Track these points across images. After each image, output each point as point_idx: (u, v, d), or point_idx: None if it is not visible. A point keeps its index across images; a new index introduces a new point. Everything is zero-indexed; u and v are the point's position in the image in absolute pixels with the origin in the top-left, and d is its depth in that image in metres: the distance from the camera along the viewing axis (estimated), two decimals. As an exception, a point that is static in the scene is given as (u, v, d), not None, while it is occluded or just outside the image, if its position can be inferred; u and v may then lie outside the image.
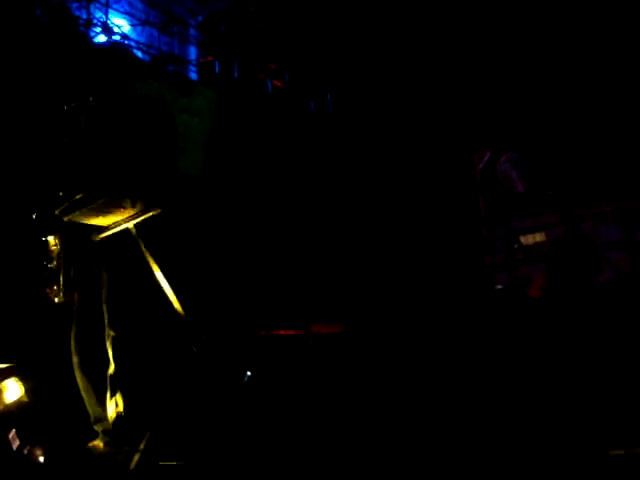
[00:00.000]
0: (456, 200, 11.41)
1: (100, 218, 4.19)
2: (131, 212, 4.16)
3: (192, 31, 10.16)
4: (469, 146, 11.71)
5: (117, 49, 8.42)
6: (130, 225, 4.23)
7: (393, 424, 5.80)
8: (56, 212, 4.14)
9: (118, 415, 4.65)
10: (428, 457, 4.83)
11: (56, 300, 4.44)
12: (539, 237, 10.99)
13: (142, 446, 4.19)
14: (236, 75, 9.95)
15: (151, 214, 4.17)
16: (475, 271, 11.18)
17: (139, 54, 9.14)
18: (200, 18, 10.71)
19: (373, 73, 10.95)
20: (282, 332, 7.03)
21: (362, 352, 7.67)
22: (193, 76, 9.95)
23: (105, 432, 4.67)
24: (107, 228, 4.31)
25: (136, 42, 9.14)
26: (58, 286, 4.36)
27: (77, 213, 4.05)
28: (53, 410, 4.79)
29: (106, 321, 4.57)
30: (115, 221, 4.24)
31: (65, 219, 4.15)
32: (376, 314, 8.67)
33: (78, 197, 3.95)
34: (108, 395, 4.68)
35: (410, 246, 10.65)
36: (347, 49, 10.66)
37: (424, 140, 11.41)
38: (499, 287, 10.56)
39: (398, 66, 10.90)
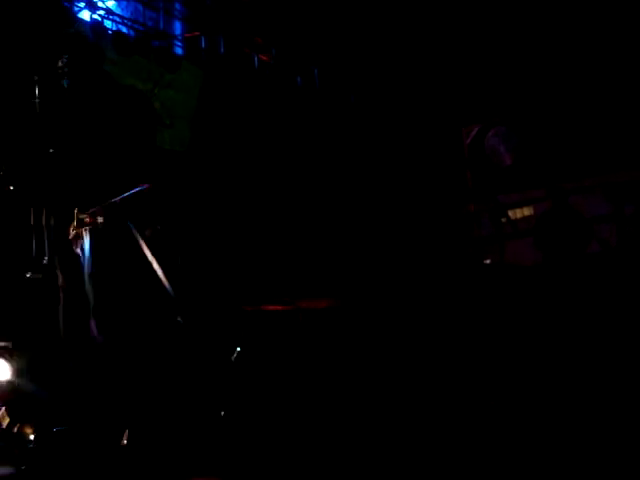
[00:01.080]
0: (444, 174, 11.41)
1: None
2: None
3: (177, 5, 10.01)
4: (457, 120, 11.70)
5: (98, 29, 8.29)
6: (117, 199, 4.22)
7: (383, 401, 5.83)
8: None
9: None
10: (417, 435, 4.88)
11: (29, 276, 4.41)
12: (527, 211, 11.02)
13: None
14: (222, 50, 9.84)
15: (138, 189, 4.16)
16: (463, 245, 11.22)
17: (124, 29, 9.02)
18: (185, -8, 10.56)
19: (361, 47, 10.86)
20: (271, 307, 7.02)
21: (352, 327, 7.68)
22: (179, 51, 9.84)
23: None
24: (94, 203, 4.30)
25: (121, 17, 9.01)
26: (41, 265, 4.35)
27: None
28: (42, 389, 4.79)
29: (92, 301, 4.57)
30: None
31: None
32: (366, 288, 8.68)
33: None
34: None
35: (399, 220, 10.66)
36: (334, 22, 10.55)
37: (412, 114, 11.38)
38: (487, 261, 10.59)
39: (386, 40, 10.83)
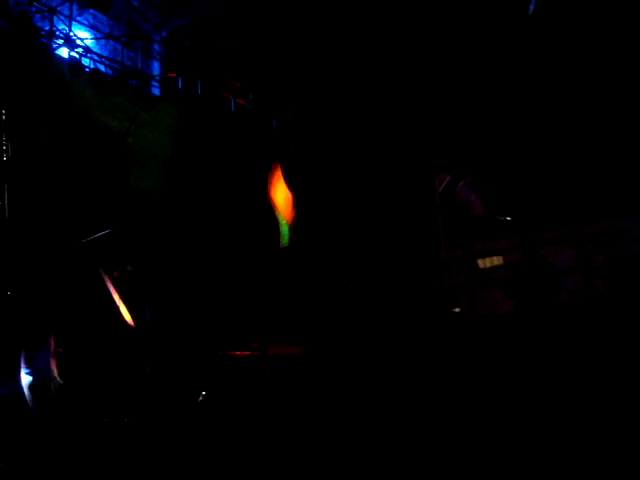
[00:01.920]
0: (417, 222, 11.47)
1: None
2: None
3: (156, 46, 10.09)
4: (430, 169, 11.80)
5: (76, 66, 8.31)
6: (84, 240, 4.18)
7: (349, 445, 5.77)
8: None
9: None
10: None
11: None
12: (497, 260, 11.09)
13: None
14: (199, 92, 9.90)
15: (102, 233, 4.12)
16: (434, 293, 11.24)
17: (102, 67, 9.05)
18: (164, 33, 10.66)
19: (337, 94, 10.99)
20: (238, 353, 6.96)
21: (319, 373, 7.63)
22: (156, 91, 9.88)
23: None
24: (61, 244, 4.25)
25: (99, 56, 9.04)
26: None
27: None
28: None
29: (53, 340, 4.49)
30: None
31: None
32: (333, 335, 8.64)
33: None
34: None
35: (370, 267, 10.66)
36: (311, 69, 10.68)
37: (386, 162, 11.47)
38: (457, 310, 10.61)
39: (361, 89, 10.96)
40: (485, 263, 10.94)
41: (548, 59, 10.29)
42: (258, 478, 4.94)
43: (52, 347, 4.51)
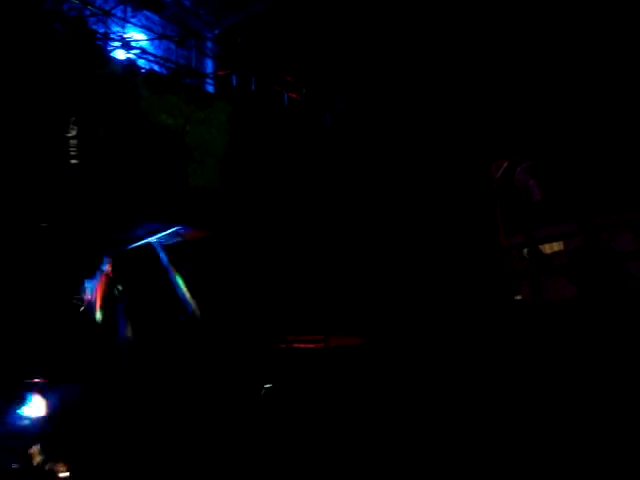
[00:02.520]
0: (474, 210, 11.35)
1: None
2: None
3: (209, 44, 10.18)
4: (487, 156, 11.67)
5: (132, 68, 8.43)
6: (153, 239, 4.25)
7: (410, 436, 5.76)
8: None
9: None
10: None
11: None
12: (557, 246, 10.90)
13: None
14: (253, 88, 9.95)
15: (175, 229, 4.20)
16: (494, 281, 11.11)
17: (156, 67, 9.16)
18: (216, 31, 10.74)
19: (391, 85, 10.93)
20: (301, 345, 7.01)
21: (380, 364, 7.62)
22: (210, 89, 9.96)
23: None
24: (130, 241, 4.34)
25: (154, 56, 9.16)
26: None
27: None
28: (75, 426, 4.80)
29: (124, 331, 4.59)
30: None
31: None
32: (394, 326, 8.62)
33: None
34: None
35: (429, 257, 10.60)
36: (364, 61, 10.65)
37: (442, 151, 11.38)
38: (518, 297, 10.47)
39: (417, 77, 10.88)
40: (545, 249, 10.77)
41: (606, 42, 10.06)
42: (321, 467, 4.96)
43: (122, 338, 4.61)
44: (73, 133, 4.51)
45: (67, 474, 4.32)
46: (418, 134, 11.49)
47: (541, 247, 10.82)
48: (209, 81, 9.99)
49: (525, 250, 10.67)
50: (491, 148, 11.62)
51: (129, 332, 4.62)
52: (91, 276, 4.76)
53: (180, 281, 4.30)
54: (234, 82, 9.93)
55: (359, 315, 8.57)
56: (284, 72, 10.17)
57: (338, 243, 9.74)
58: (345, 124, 11.02)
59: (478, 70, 10.96)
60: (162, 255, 4.29)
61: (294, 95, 10.32)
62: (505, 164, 11.66)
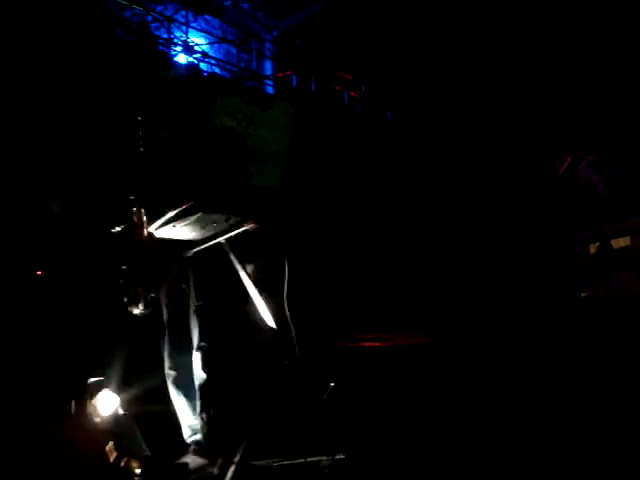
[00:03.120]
0: (538, 205, 11.17)
1: (193, 233, 4.25)
2: (224, 227, 4.21)
3: (268, 46, 10.28)
4: (550, 151, 11.47)
5: (194, 71, 8.57)
6: (222, 240, 4.28)
7: (478, 435, 5.67)
8: (151, 229, 4.19)
9: (209, 427, 4.70)
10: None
11: (137, 312, 4.44)
12: (623, 241, 10.64)
13: (237, 457, 4.22)
14: (313, 88, 10.01)
15: (244, 229, 4.22)
16: (558, 278, 10.90)
17: (218, 71, 9.29)
18: (275, 33, 10.84)
19: (450, 79, 10.84)
20: (368, 344, 6.99)
21: (448, 363, 7.55)
22: (270, 90, 10.06)
23: (198, 444, 4.74)
24: (199, 243, 4.37)
25: (215, 59, 9.29)
26: (143, 300, 4.39)
27: (170, 228, 4.11)
28: (148, 422, 4.87)
29: (197, 335, 4.64)
30: (207, 236, 4.30)
31: (157, 235, 4.22)
32: (461, 325, 8.53)
33: (172, 214, 4.00)
34: (198, 407, 4.75)
35: (493, 254, 10.47)
36: (421, 57, 10.59)
37: (503, 146, 11.23)
38: (584, 294, 10.25)
39: (476, 71, 10.77)
40: (612, 244, 10.53)
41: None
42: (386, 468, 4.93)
43: (195, 342, 4.65)
44: (139, 134, 4.56)
45: (141, 470, 4.39)
46: (480, 130, 11.37)
47: (608, 242, 10.59)
48: (269, 83, 10.09)
49: (593, 245, 10.43)
50: (554, 143, 11.42)
51: (200, 336, 4.66)
52: (160, 278, 4.81)
53: (250, 283, 4.32)
54: (294, 83, 10.02)
55: (426, 314, 8.51)
56: (343, 71, 10.19)
57: (403, 240, 9.70)
58: (407, 120, 10.98)
59: (540, 65, 10.79)
60: (232, 256, 4.31)
61: (354, 93, 10.34)
62: (569, 159, 11.45)
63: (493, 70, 10.92)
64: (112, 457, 4.38)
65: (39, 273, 6.11)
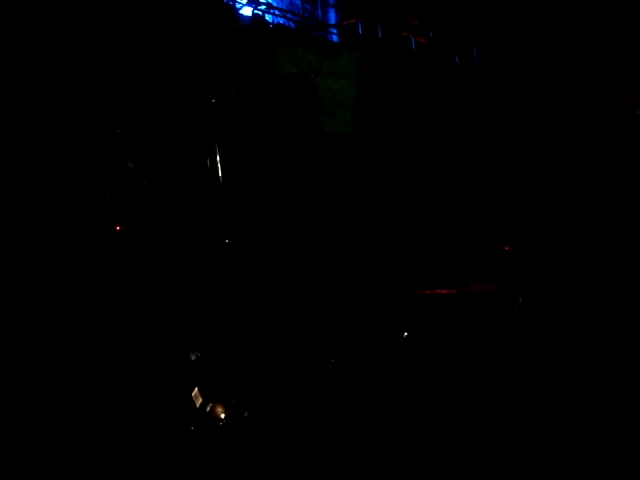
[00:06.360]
0: (615, 148, 10.81)
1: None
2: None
3: (332, -6, 10.11)
4: (627, 92, 11.07)
5: (260, 24, 8.52)
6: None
7: (555, 389, 5.63)
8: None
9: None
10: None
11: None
12: None
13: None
14: (380, 35, 9.84)
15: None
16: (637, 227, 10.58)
17: (283, 22, 9.21)
18: (338, -19, 10.64)
19: (522, 21, 10.50)
20: (443, 291, 6.97)
21: (523, 311, 7.46)
22: (335, 39, 9.92)
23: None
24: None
25: (280, 10, 9.21)
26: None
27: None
28: (232, 369, 5.01)
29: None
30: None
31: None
32: (537, 272, 8.39)
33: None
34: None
35: (572, 197, 10.22)
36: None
37: (578, 87, 10.89)
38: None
39: (547, 12, 10.40)
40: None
41: None
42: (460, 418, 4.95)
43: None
44: (209, 88, 4.61)
45: (225, 414, 4.52)
46: (554, 73, 11.02)
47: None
48: (334, 32, 9.95)
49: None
50: (631, 84, 11.01)
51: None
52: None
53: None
54: (360, 31, 9.86)
55: (500, 261, 8.41)
56: (410, 16, 9.96)
57: (480, 187, 9.57)
58: (476, 66, 10.72)
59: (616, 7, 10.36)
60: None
61: (421, 39, 10.12)
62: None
63: (568, 13, 10.54)
64: (198, 402, 4.52)
65: (118, 228, 6.29)
